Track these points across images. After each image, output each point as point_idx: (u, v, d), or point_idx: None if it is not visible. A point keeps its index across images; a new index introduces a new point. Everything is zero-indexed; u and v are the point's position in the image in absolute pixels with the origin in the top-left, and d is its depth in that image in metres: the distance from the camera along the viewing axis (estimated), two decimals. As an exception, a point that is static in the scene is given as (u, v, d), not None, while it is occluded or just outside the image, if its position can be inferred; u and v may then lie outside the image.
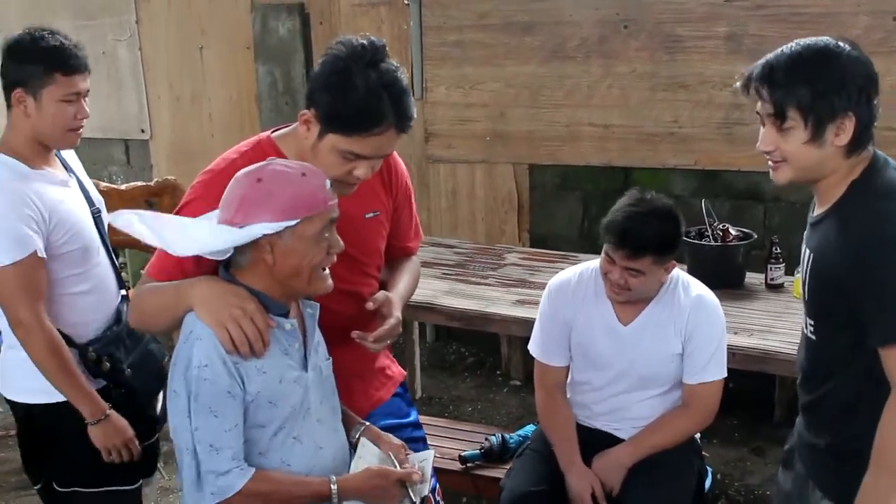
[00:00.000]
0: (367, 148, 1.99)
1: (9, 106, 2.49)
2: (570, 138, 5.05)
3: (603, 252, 2.68)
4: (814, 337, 2.04)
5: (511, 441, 3.39)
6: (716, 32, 4.57)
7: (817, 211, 2.01)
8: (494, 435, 3.43)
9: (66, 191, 2.53)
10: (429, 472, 2.15)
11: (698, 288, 2.79)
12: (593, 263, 2.82)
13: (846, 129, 1.86)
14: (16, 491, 4.12)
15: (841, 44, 1.89)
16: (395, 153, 2.28)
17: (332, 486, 1.95)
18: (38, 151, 2.50)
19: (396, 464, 2.11)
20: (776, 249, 3.89)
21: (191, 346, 1.86)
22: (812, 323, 2.04)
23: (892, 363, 1.85)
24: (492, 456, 3.36)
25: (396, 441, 2.19)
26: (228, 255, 1.91)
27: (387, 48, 2.02)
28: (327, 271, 1.96)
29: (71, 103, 2.46)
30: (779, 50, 1.92)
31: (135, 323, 2.20)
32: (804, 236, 2.07)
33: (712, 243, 3.95)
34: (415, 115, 2.04)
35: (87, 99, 2.52)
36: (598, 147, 4.98)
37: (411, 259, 2.56)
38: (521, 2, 5.00)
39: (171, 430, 1.94)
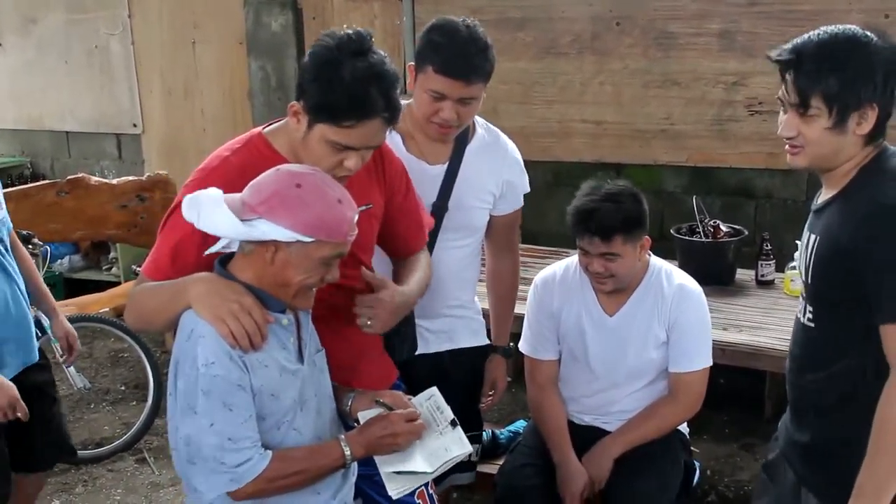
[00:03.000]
0: (356, 138, 1.99)
1: None
2: (562, 134, 5.05)
3: (578, 248, 2.71)
4: (812, 325, 2.02)
5: (501, 437, 3.40)
6: (708, 29, 4.59)
7: (823, 198, 2.01)
8: (485, 431, 3.42)
9: None
10: (442, 402, 2.16)
11: (681, 277, 2.82)
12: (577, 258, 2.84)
13: (868, 119, 1.87)
14: None
15: (868, 33, 1.88)
16: (386, 145, 2.27)
17: (341, 444, 1.99)
18: None
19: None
20: (767, 246, 3.90)
21: (194, 344, 1.86)
22: (812, 310, 2.02)
23: (892, 341, 1.84)
24: (482, 452, 3.36)
25: (396, 392, 2.20)
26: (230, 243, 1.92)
27: (373, 38, 2.02)
28: (314, 291, 1.97)
29: (436, 100, 2.45)
30: (805, 36, 1.91)
31: (132, 322, 2.19)
32: (807, 224, 2.06)
33: (703, 240, 3.96)
34: (402, 106, 2.04)
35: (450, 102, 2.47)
36: (590, 143, 4.99)
37: (420, 257, 2.50)
38: (514, -2, 4.99)
39: (172, 429, 1.94)
